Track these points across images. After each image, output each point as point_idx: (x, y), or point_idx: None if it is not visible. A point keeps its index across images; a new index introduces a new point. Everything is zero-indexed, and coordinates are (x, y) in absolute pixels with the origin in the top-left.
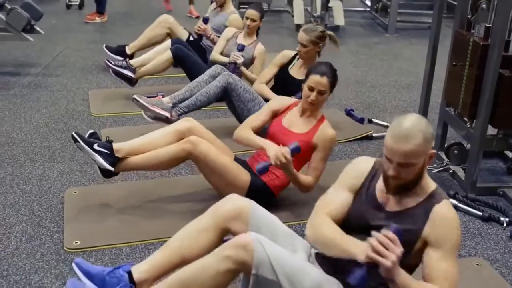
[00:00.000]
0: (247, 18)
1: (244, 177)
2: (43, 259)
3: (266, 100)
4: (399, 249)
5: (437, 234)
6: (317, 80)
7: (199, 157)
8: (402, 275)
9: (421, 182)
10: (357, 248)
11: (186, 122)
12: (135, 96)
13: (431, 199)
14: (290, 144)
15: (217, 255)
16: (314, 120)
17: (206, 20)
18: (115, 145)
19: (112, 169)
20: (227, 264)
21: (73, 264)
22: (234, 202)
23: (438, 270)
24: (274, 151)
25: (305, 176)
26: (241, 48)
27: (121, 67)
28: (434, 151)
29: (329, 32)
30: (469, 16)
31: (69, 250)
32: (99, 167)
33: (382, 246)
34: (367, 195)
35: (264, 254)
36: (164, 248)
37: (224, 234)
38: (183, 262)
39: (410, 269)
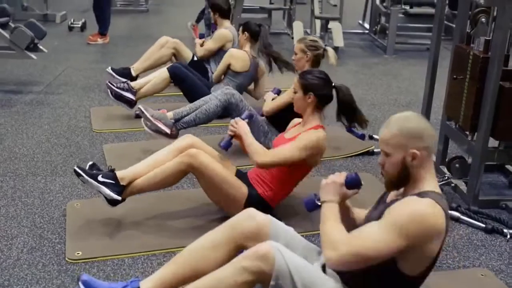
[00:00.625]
0: None
1: (242, 190)
2: (44, 269)
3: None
4: (338, 178)
5: (389, 209)
6: (295, 78)
7: (199, 169)
8: (332, 204)
9: (412, 182)
10: None
11: (186, 139)
12: (140, 106)
13: (416, 195)
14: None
15: (235, 266)
16: (307, 127)
17: (278, 92)
18: (119, 173)
19: (119, 198)
20: (245, 276)
21: (80, 283)
22: (254, 219)
23: (360, 229)
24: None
25: (261, 147)
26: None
27: (122, 89)
28: (415, 151)
29: (326, 46)
30: (469, 30)
31: (71, 261)
32: (106, 198)
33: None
34: (381, 199)
35: (284, 264)
36: (174, 262)
37: (238, 250)
38: (196, 277)
39: (397, 275)
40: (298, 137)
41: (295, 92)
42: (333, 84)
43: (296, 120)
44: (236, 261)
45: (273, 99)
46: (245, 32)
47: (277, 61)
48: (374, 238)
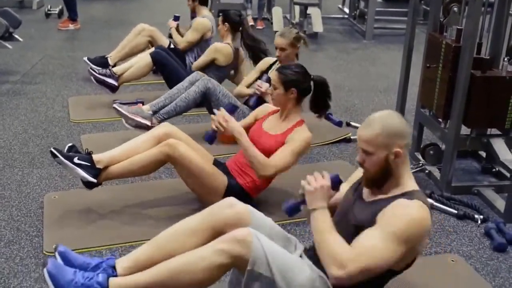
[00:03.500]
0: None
1: (221, 179)
2: (22, 263)
3: (248, 100)
4: (324, 182)
5: (385, 216)
6: (272, 75)
7: (178, 160)
8: (323, 210)
9: (392, 179)
10: None
11: (163, 128)
12: (115, 105)
13: (403, 196)
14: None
15: (213, 247)
16: (291, 123)
17: (268, 79)
18: (95, 157)
19: (95, 181)
20: (222, 258)
21: (56, 253)
22: (234, 208)
23: (360, 239)
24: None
25: (263, 156)
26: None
27: (104, 75)
28: (399, 149)
29: (301, 33)
30: (442, 19)
31: (48, 253)
32: (82, 180)
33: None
34: (355, 192)
35: (261, 249)
36: (150, 244)
37: (216, 237)
38: None
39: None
40: (290, 140)
41: (274, 89)
42: (311, 76)
43: (269, 107)
44: (214, 243)
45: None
46: (226, 23)
47: (256, 57)
48: (380, 251)
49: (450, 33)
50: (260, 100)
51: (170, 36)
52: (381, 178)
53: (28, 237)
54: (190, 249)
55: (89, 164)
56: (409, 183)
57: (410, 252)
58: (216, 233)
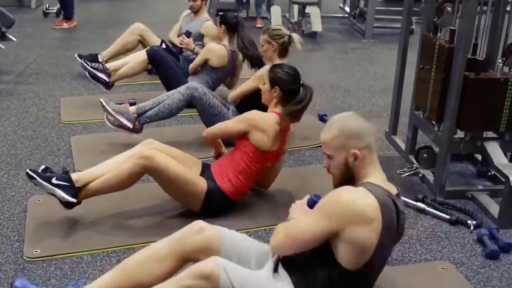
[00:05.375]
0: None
1: (200, 185)
2: (0, 268)
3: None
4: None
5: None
6: (265, 70)
7: (155, 170)
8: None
9: (357, 180)
10: None
11: (146, 146)
12: (102, 100)
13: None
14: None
15: (177, 284)
16: None
17: (189, 34)
18: (74, 176)
19: (74, 200)
20: None
21: None
22: (203, 234)
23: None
24: None
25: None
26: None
27: (96, 69)
28: (356, 150)
29: (289, 32)
30: (435, 19)
31: (28, 259)
32: (60, 200)
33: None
34: None
35: (228, 283)
36: (118, 270)
37: (186, 263)
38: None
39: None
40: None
41: (264, 84)
42: (301, 82)
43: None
44: (179, 279)
45: None
46: (222, 25)
47: (253, 62)
48: (304, 221)
49: (444, 33)
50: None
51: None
52: (345, 181)
53: (9, 242)
54: (158, 276)
55: (68, 184)
56: (371, 178)
57: (346, 239)
58: (185, 259)
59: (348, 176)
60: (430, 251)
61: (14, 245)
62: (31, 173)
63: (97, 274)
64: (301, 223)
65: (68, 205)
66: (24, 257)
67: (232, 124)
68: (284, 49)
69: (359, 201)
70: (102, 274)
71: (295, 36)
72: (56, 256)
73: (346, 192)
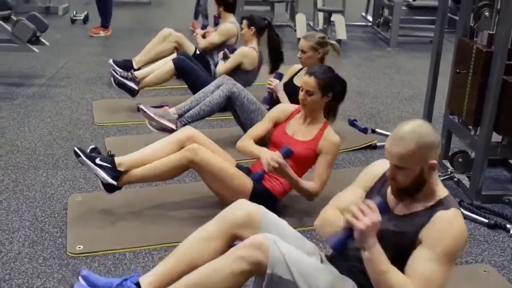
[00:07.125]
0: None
1: (246, 183)
2: (45, 263)
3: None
4: (376, 216)
5: (431, 234)
6: (305, 79)
7: (201, 165)
8: (376, 247)
9: (425, 189)
10: None
11: (186, 131)
12: (141, 106)
13: (439, 206)
14: (282, 148)
15: (231, 256)
16: (317, 127)
17: (280, 76)
18: (117, 159)
19: (115, 183)
20: (241, 265)
21: (80, 278)
22: (244, 209)
23: (417, 268)
24: (265, 158)
25: (308, 182)
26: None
27: (126, 78)
28: (434, 161)
29: (331, 41)
30: (472, 24)
31: (72, 254)
32: (102, 182)
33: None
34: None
35: (279, 253)
36: (171, 256)
37: (233, 241)
38: (192, 270)
39: None
40: (323, 149)
41: (309, 95)
42: (343, 80)
43: (288, 107)
44: (232, 252)
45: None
46: (252, 27)
47: (278, 60)
48: (440, 275)
49: (481, 38)
50: (272, 97)
51: None
52: (414, 189)
53: (52, 238)
54: (209, 255)
55: (110, 166)
56: (441, 189)
57: None
58: (231, 236)
59: (418, 185)
60: (470, 254)
61: (57, 241)
62: (78, 151)
63: (140, 270)
64: (441, 279)
65: (108, 188)
66: (68, 253)
67: (331, 169)
68: (323, 57)
69: (464, 224)
70: (145, 271)
71: (336, 44)
72: (99, 253)
73: (457, 225)
